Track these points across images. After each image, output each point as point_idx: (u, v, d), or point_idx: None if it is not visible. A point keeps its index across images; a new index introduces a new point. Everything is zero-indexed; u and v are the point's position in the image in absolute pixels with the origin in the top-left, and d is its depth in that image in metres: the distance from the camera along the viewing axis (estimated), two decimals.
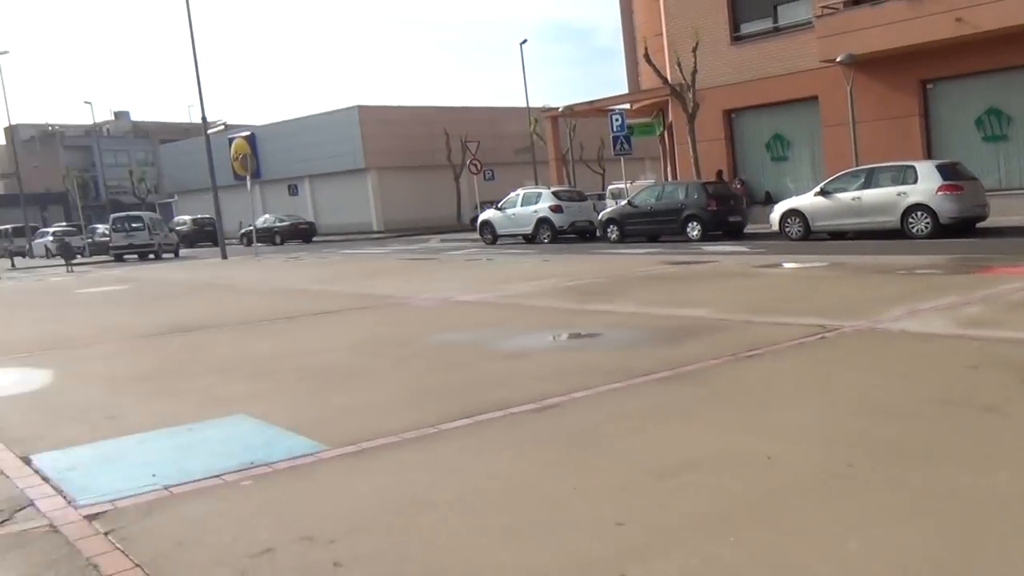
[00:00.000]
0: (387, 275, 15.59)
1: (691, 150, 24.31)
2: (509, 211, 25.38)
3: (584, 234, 24.58)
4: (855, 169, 18.47)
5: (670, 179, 29.01)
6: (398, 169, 43.57)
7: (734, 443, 3.86)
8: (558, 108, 32.13)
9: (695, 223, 20.25)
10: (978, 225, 17.06)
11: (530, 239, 24.66)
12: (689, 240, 20.12)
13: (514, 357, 6.39)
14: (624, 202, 23.25)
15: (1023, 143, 20.49)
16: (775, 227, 18.62)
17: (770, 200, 23.09)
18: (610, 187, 35.13)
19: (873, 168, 17.75)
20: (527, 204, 25.00)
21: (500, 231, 25.69)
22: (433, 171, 43.35)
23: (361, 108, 43.81)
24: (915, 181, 16.62)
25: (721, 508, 3.09)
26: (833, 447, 3.70)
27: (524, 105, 41.96)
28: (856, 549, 2.68)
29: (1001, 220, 18.04)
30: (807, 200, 18.14)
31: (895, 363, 5.28)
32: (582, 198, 26.07)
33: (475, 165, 33.61)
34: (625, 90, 33.71)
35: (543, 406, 4.72)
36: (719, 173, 24.88)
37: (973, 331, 6.10)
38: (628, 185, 28.74)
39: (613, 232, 22.03)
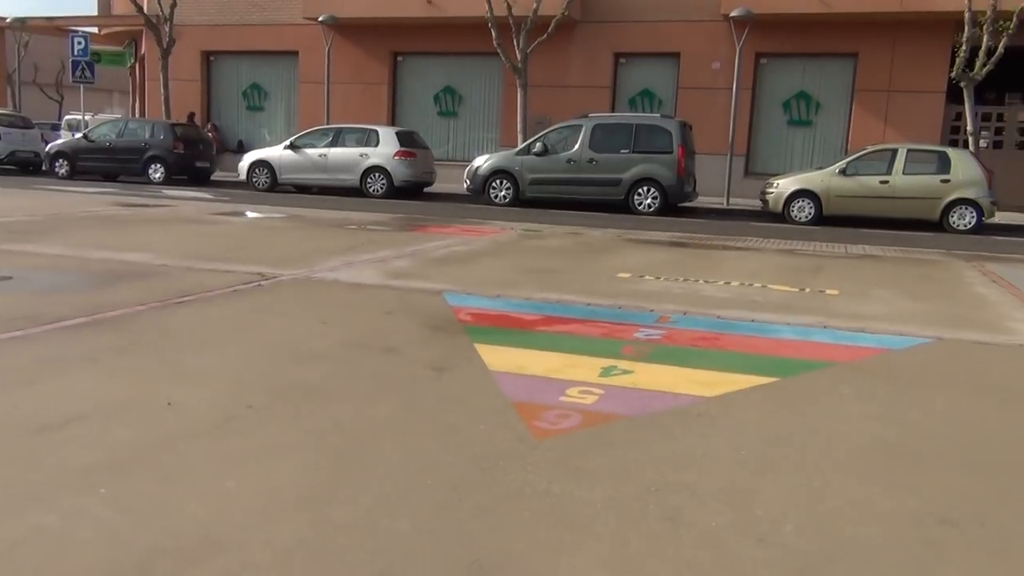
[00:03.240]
0: None
1: (162, 88, 22.89)
2: None
3: (28, 166, 21.75)
4: (324, 127, 19.14)
5: (138, 116, 26.99)
6: None
7: (137, 391, 3.66)
8: (6, 19, 27.80)
9: (159, 165, 19.20)
10: (425, 189, 18.91)
11: None
12: (151, 183, 18.99)
13: None
14: (79, 135, 21.05)
15: (469, 121, 23.17)
16: (243, 176, 18.48)
17: (243, 149, 22.86)
18: (67, 118, 31.53)
19: (341, 128, 18.58)
20: None
21: None
22: None
23: None
24: (376, 144, 17.80)
25: (101, 459, 2.90)
26: (239, 390, 3.72)
27: None
28: (232, 486, 2.71)
29: (445, 187, 20.24)
30: (276, 152, 18.32)
31: (321, 309, 5.54)
32: (27, 125, 22.98)
33: None
34: (95, 11, 30.42)
35: None
36: (191, 116, 23.88)
37: (396, 281, 6.69)
38: (89, 118, 26.10)
39: (62, 167, 19.88)
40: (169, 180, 19.18)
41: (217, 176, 21.26)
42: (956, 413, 3.79)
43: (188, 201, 14.68)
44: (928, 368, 4.60)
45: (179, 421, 3.30)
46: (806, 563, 2.34)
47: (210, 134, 23.17)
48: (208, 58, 25.21)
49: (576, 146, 16.14)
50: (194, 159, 19.75)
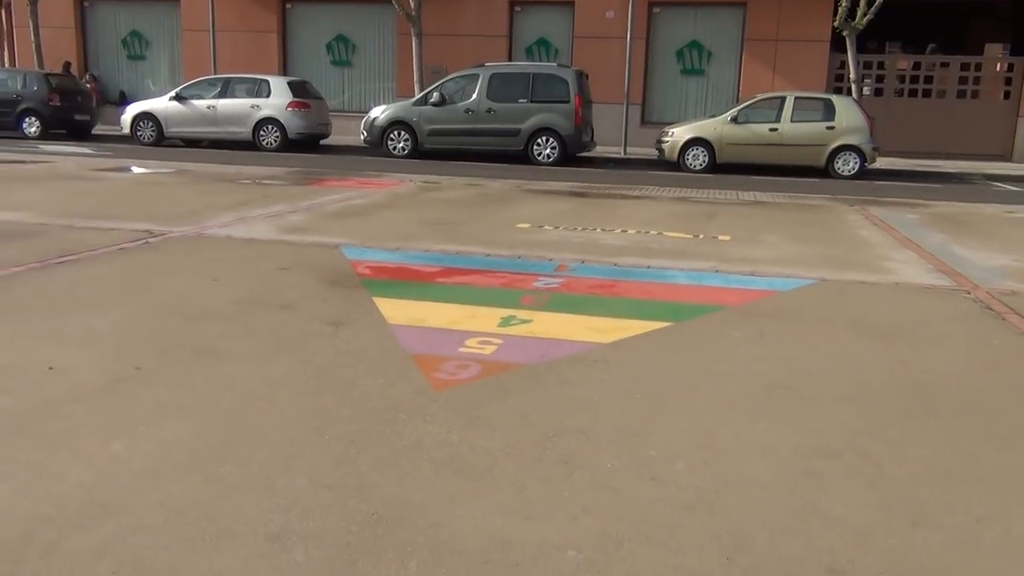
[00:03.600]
0: None
1: (32, 35, 21.49)
2: None
3: None
4: (212, 77, 18.37)
5: (7, 67, 25.33)
6: None
7: (16, 356, 3.49)
8: None
9: (33, 119, 18.15)
10: (321, 142, 18.46)
11: None
12: (26, 138, 17.96)
13: None
14: None
15: (364, 71, 22.65)
16: (127, 130, 17.64)
17: (125, 100, 21.79)
18: None
19: (230, 78, 17.87)
20: None
21: None
22: None
23: None
24: (268, 95, 17.22)
25: None
26: (126, 351, 3.59)
27: None
28: (120, 449, 2.63)
29: (341, 139, 19.81)
30: (161, 104, 17.52)
31: (213, 267, 5.37)
32: None
33: None
34: None
35: None
36: (67, 66, 22.55)
37: (291, 236, 6.54)
38: None
39: None
40: (46, 135, 18.14)
41: (99, 130, 20.23)
42: (837, 350, 3.98)
43: (68, 156, 13.94)
44: (812, 308, 4.80)
45: (62, 385, 3.17)
46: (696, 498, 2.43)
47: (89, 85, 21.97)
48: (82, 3, 23.79)
49: (474, 96, 16.00)
50: (72, 112, 18.70)
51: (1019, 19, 19.74)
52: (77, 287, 4.72)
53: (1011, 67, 19.81)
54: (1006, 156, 19.72)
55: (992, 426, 3.08)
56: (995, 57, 19.96)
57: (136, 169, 11.93)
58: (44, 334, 3.82)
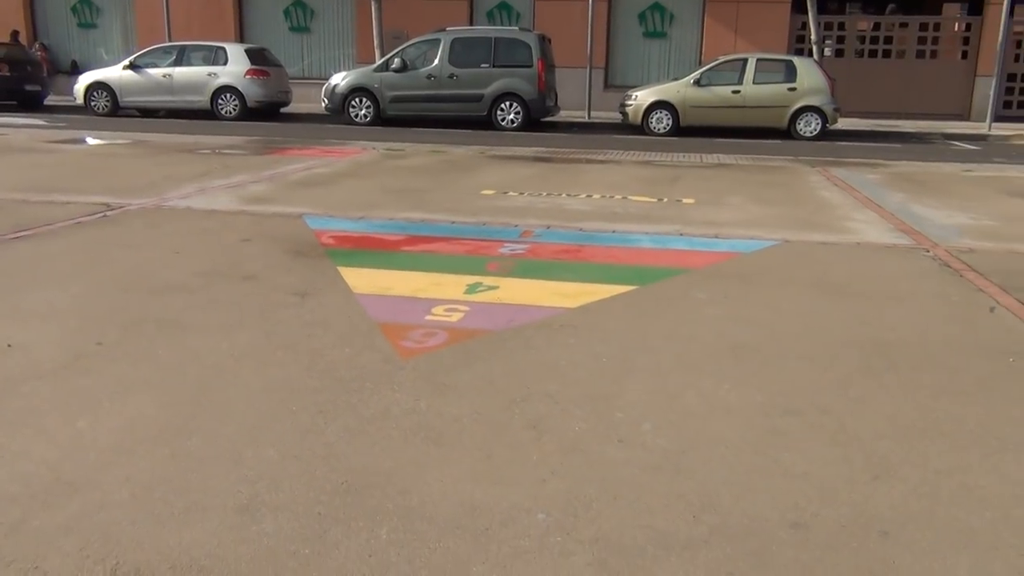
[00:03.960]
0: None
1: None
2: None
3: None
4: (167, 45, 17.98)
5: None
6: None
7: None
8: None
9: None
10: (281, 110, 18.19)
11: None
12: None
13: None
14: None
15: (323, 37, 22.26)
16: (80, 100, 17.23)
17: (77, 70, 21.23)
18: None
19: (185, 46, 17.50)
20: None
21: None
22: None
23: None
24: (225, 63, 16.90)
25: None
26: (87, 327, 3.54)
27: None
28: (85, 425, 2.60)
29: (301, 107, 19.53)
30: (115, 73, 17.13)
31: (174, 239, 5.30)
32: None
33: None
34: None
35: None
36: (15, 34, 21.91)
37: (253, 207, 6.46)
38: None
39: None
40: None
41: (51, 101, 19.74)
42: (799, 310, 4.03)
43: (19, 128, 13.60)
44: (775, 269, 4.86)
45: (22, 362, 3.12)
46: (662, 459, 2.47)
47: (39, 54, 21.38)
48: None
49: (435, 61, 15.82)
50: (22, 82, 18.21)
51: None
52: (35, 263, 4.63)
53: (968, 27, 19.99)
54: (964, 115, 19.97)
55: (950, 381, 3.15)
56: (953, 17, 20.13)
57: (91, 140, 11.67)
58: (2, 311, 3.75)
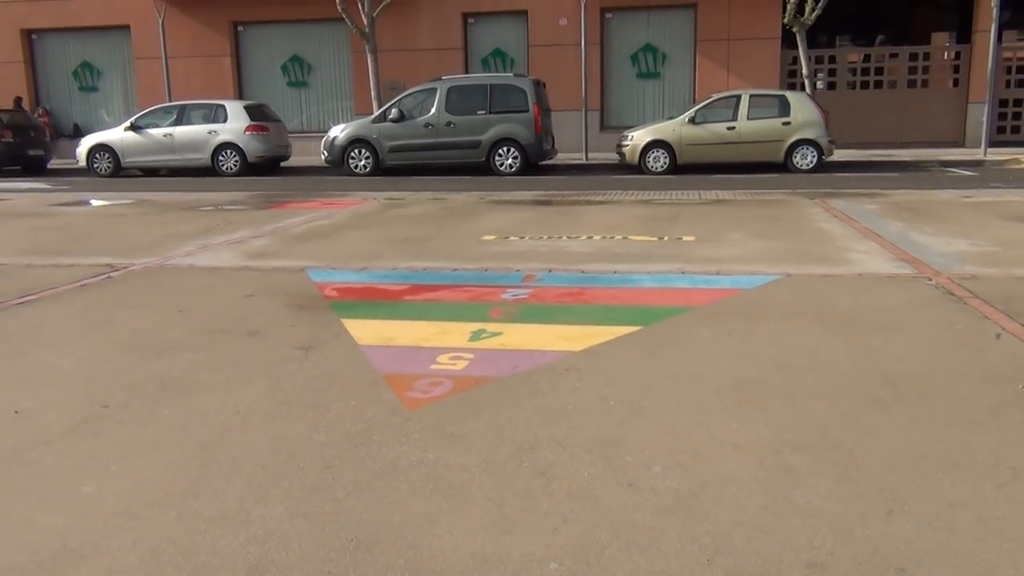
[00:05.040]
0: None
1: None
2: None
3: None
4: (167, 105, 18.22)
5: None
6: None
7: None
8: None
9: None
10: (282, 164, 18.36)
11: None
12: None
13: None
14: None
15: (321, 90, 22.57)
16: (82, 162, 17.42)
17: (79, 133, 21.52)
18: None
19: (185, 105, 17.74)
20: None
21: None
22: None
23: None
24: (225, 120, 17.11)
25: None
26: (93, 390, 3.54)
27: None
28: (91, 490, 2.59)
29: (301, 160, 19.71)
30: (117, 135, 17.34)
31: (177, 297, 5.32)
32: None
33: None
34: None
35: None
36: (18, 100, 22.25)
37: (255, 262, 6.49)
38: None
39: None
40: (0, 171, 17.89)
41: (54, 164, 19.96)
42: (804, 344, 4.02)
43: (23, 193, 13.73)
44: (778, 304, 4.86)
45: (29, 429, 3.12)
46: (673, 502, 2.44)
47: (41, 119, 21.68)
48: (30, 36, 23.47)
49: (432, 110, 16.00)
50: (26, 147, 18.43)
51: (962, 6, 20.13)
52: (39, 327, 4.65)
53: (958, 55, 20.20)
54: (959, 142, 20.08)
55: (960, 410, 3.13)
56: (942, 46, 20.35)
57: (94, 202, 11.78)
58: (8, 377, 3.76)
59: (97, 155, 17.30)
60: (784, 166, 15.36)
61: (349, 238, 7.70)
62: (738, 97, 15.68)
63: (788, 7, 17.89)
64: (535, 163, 16.14)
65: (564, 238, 7.43)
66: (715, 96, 16.07)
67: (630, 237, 7.44)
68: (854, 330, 4.25)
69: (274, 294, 5.35)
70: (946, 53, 20.38)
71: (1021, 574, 2.05)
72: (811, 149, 15.26)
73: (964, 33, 20.13)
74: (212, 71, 22.37)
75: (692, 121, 15.55)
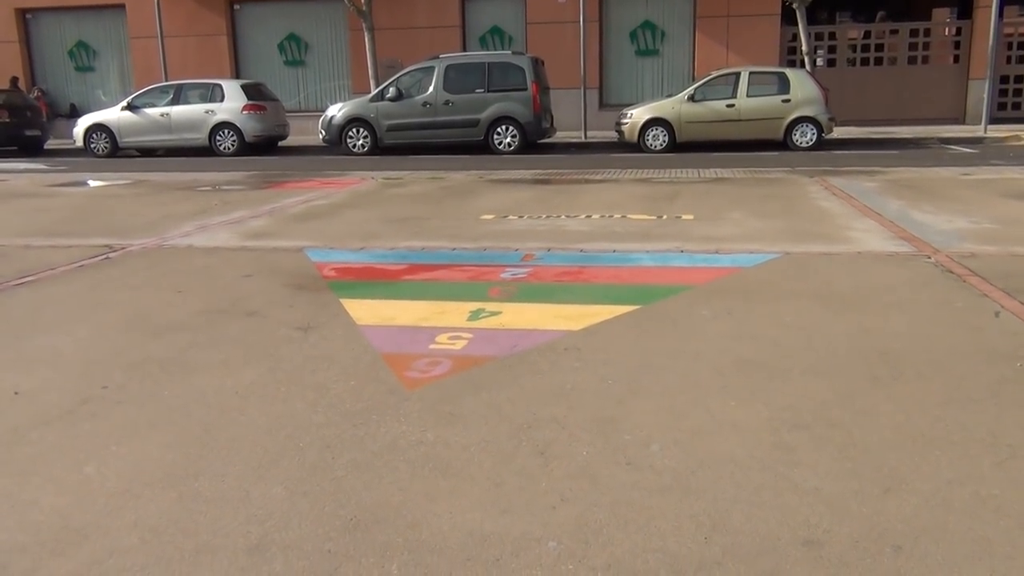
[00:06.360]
0: None
1: None
2: None
3: None
4: (164, 84, 18.11)
5: None
6: None
7: None
8: None
9: None
10: (279, 144, 18.29)
11: None
12: None
13: None
14: None
15: (318, 69, 22.44)
16: (80, 143, 17.35)
17: (76, 113, 21.42)
18: None
19: (182, 84, 17.63)
20: None
21: None
22: None
23: None
24: (222, 99, 17.01)
25: None
26: (92, 371, 3.54)
27: None
28: (92, 471, 2.59)
29: (299, 140, 19.64)
30: (114, 114, 17.25)
31: (175, 278, 5.31)
32: None
33: None
34: None
35: None
36: (14, 81, 22.11)
37: (253, 242, 6.48)
38: None
39: None
40: None
41: (51, 144, 19.87)
42: (803, 323, 4.03)
43: (20, 174, 13.69)
44: (777, 283, 4.85)
45: (29, 410, 3.12)
46: (671, 480, 2.45)
47: (37, 99, 21.56)
48: (24, 16, 23.29)
49: (430, 89, 15.91)
50: (22, 127, 18.32)
51: None
52: (38, 308, 4.65)
53: (959, 31, 20.08)
54: (959, 119, 20.00)
55: (958, 388, 3.13)
56: (943, 22, 20.22)
57: (92, 182, 11.74)
58: (7, 358, 3.76)
59: (94, 135, 17.22)
60: (784, 144, 15.30)
61: (347, 218, 7.68)
62: (737, 74, 15.60)
63: None
64: (534, 141, 16.08)
65: (563, 217, 7.42)
66: (714, 73, 15.98)
67: (629, 216, 7.42)
68: (853, 308, 4.25)
69: (272, 274, 5.35)
70: (947, 29, 20.26)
71: (1018, 551, 2.07)
72: (811, 127, 15.20)
73: (965, 9, 20.00)
74: (208, 50, 22.23)
75: (691, 99, 15.47)
